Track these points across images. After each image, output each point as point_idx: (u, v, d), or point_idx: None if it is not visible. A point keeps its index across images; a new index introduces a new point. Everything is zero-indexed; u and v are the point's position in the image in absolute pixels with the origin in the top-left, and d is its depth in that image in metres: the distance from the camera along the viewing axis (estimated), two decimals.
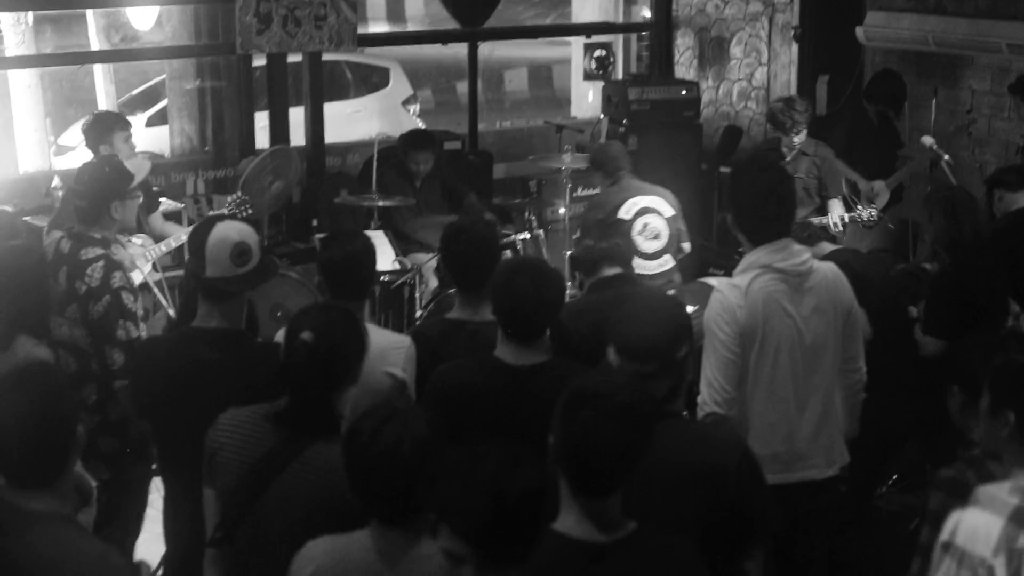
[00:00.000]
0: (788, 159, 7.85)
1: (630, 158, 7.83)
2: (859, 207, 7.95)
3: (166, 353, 4.32)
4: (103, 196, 5.23)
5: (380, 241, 7.70)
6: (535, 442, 3.56)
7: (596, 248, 5.37)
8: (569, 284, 6.74)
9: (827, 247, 5.74)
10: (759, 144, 10.24)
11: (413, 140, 8.76)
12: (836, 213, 7.82)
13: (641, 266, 7.33)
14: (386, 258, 7.60)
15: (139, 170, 5.58)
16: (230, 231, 4.20)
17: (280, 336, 4.59)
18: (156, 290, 5.84)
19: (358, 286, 4.60)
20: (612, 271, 5.31)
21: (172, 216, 7.69)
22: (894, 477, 5.81)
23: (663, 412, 3.53)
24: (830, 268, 4.60)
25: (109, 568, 3.07)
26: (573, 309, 5.22)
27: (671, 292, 7.20)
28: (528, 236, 7.99)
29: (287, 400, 3.63)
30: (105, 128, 6.85)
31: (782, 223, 4.50)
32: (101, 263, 5.10)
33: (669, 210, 7.53)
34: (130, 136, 6.89)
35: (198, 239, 4.21)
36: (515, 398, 4.01)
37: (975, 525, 3.01)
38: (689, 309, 6.22)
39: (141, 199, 5.64)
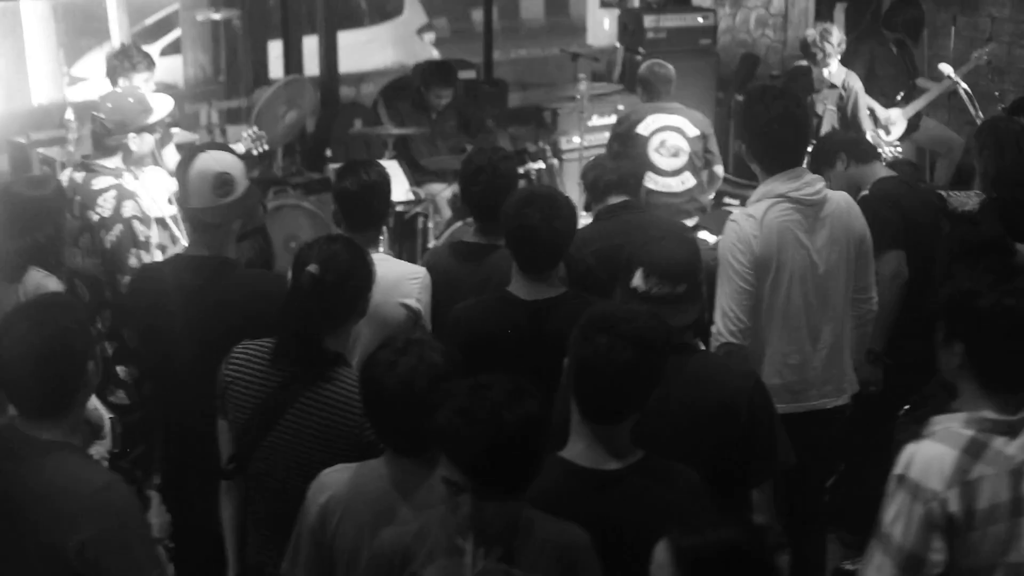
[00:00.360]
0: (817, 89, 7.80)
1: (672, 85, 7.74)
2: (882, 143, 7.88)
3: (154, 280, 4.34)
4: (123, 126, 5.26)
5: (394, 171, 7.66)
6: (551, 377, 3.56)
7: (605, 176, 5.32)
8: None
9: (880, 170, 5.57)
10: (785, 72, 10.17)
11: (436, 74, 8.63)
12: None
13: (661, 183, 7.32)
14: (400, 188, 7.59)
15: (161, 107, 5.58)
16: (211, 162, 4.17)
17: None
18: (172, 223, 5.87)
19: (372, 216, 4.59)
20: (618, 199, 5.28)
21: (186, 148, 7.67)
22: (906, 407, 5.78)
23: (682, 344, 3.53)
24: (843, 197, 4.58)
25: (112, 498, 3.07)
26: (579, 238, 5.21)
27: (694, 219, 7.16)
28: (543, 166, 7.96)
29: (286, 337, 3.62)
30: (131, 64, 6.78)
31: (797, 150, 4.49)
32: (113, 192, 5.15)
33: (693, 130, 7.49)
34: (151, 78, 6.84)
35: (182, 170, 4.19)
36: (531, 334, 4.02)
37: (928, 458, 2.98)
38: (711, 238, 6.23)
39: (159, 135, 5.65)
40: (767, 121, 4.42)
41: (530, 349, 3.96)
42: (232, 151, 4.51)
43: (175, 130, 7.52)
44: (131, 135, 5.26)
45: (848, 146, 5.55)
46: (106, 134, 5.26)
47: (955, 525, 2.95)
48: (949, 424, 3.05)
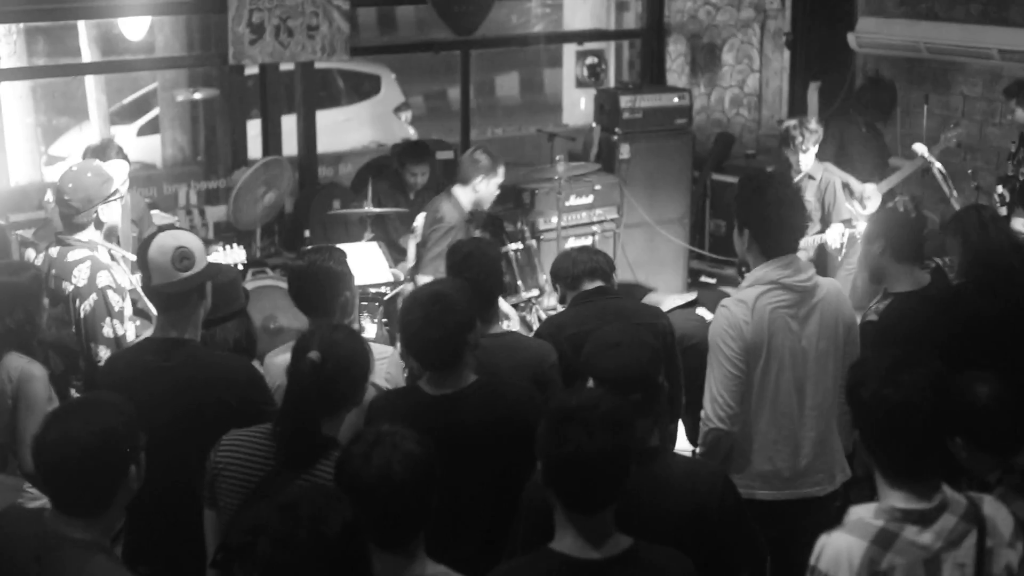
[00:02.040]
0: (795, 180, 7.85)
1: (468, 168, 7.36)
2: (858, 217, 7.93)
3: (120, 363, 4.37)
4: (89, 201, 5.32)
5: (373, 253, 7.70)
6: (460, 468, 3.62)
7: (578, 265, 5.33)
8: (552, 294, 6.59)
9: (905, 277, 5.15)
10: (760, 150, 10.27)
11: (410, 152, 8.74)
12: (836, 230, 7.80)
13: None
14: (380, 269, 7.60)
15: (118, 172, 5.67)
16: (168, 239, 4.24)
17: (275, 356, 4.60)
18: (146, 299, 5.87)
19: (312, 302, 4.59)
20: (592, 284, 5.29)
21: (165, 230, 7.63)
22: None
23: (645, 450, 3.49)
24: (833, 284, 4.62)
25: None
26: (553, 324, 5.22)
27: (694, 294, 7.02)
28: (521, 246, 7.97)
29: (281, 423, 3.63)
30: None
31: (797, 236, 4.52)
32: (88, 263, 5.24)
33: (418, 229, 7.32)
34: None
35: (143, 252, 4.23)
36: (437, 426, 3.91)
37: (837, 550, 2.99)
38: (709, 315, 6.21)
39: (125, 200, 5.71)
40: (778, 207, 4.44)
41: (438, 440, 3.91)
42: (190, 232, 4.57)
43: (155, 211, 7.51)
44: (99, 207, 5.34)
45: (892, 234, 5.11)
46: (75, 213, 5.33)
47: None
48: (861, 514, 3.06)
